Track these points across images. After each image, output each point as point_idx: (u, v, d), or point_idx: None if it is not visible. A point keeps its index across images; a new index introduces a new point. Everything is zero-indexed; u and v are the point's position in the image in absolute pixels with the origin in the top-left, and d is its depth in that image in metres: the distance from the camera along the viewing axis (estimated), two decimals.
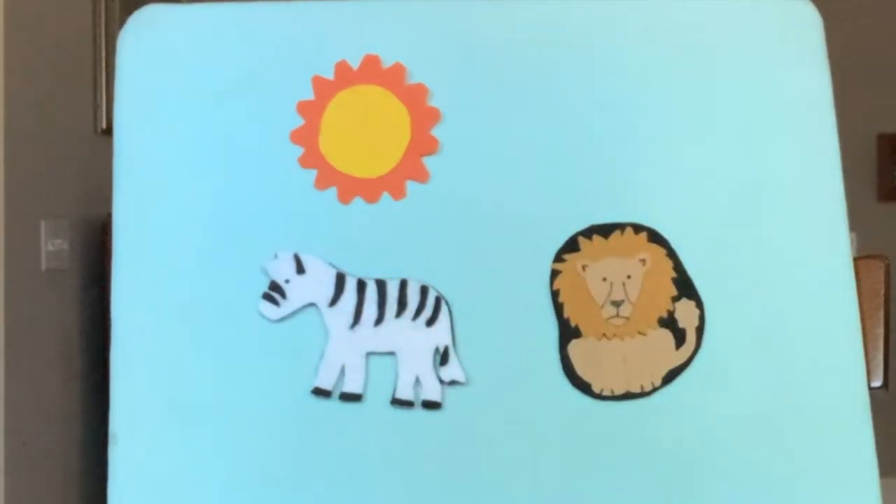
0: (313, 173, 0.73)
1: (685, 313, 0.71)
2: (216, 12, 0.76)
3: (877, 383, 0.79)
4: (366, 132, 0.74)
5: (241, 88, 0.74)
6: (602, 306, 0.71)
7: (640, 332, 0.71)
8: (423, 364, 0.71)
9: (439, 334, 0.71)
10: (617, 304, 0.71)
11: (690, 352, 0.71)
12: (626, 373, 0.71)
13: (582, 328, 0.71)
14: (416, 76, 0.74)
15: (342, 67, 0.74)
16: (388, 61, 0.74)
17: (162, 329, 0.72)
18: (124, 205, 0.74)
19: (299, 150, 0.74)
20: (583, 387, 0.71)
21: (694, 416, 0.70)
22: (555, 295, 0.71)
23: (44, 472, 1.81)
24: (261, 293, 0.72)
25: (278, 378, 0.71)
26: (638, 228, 0.72)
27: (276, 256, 0.72)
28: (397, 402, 0.71)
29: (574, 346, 0.71)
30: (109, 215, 0.74)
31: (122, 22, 0.77)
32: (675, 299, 0.72)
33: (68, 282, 1.89)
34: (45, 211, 1.80)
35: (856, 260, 0.74)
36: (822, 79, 0.75)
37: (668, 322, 0.71)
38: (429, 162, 0.73)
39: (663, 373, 0.71)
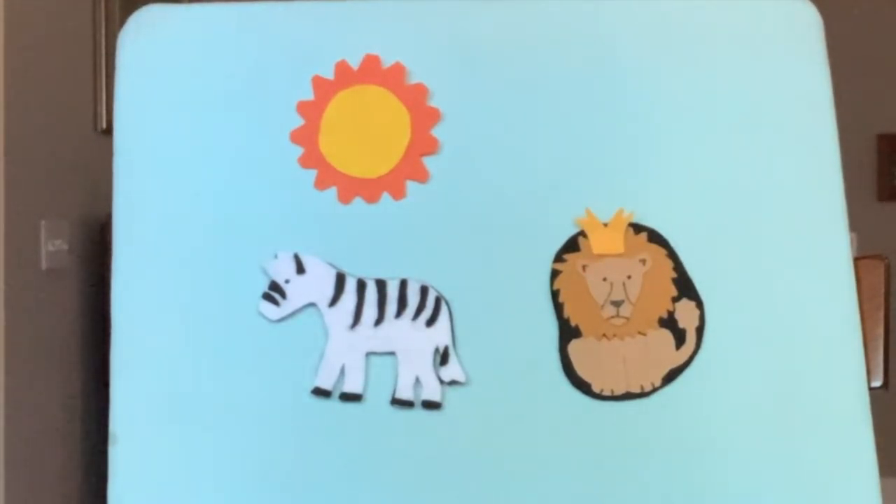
0: (313, 173, 0.73)
1: (685, 313, 0.71)
2: (216, 12, 0.76)
3: (877, 383, 0.79)
4: (366, 132, 0.74)
5: (241, 88, 0.74)
6: (602, 306, 0.71)
7: (640, 332, 0.71)
8: (423, 364, 0.71)
9: (439, 334, 0.71)
10: (617, 304, 0.71)
11: (690, 352, 0.71)
12: (626, 373, 0.71)
13: (582, 328, 0.71)
14: (416, 76, 0.74)
15: (342, 67, 0.74)
16: (388, 61, 0.74)
17: (162, 329, 0.72)
18: (124, 205, 0.74)
19: (299, 150, 0.74)
20: (583, 387, 0.71)
21: (694, 416, 0.70)
22: (555, 295, 0.71)
23: (44, 472, 1.81)
24: (261, 293, 0.72)
25: (278, 378, 0.71)
26: (638, 228, 0.72)
27: (276, 256, 0.72)
28: (397, 402, 0.71)
29: (574, 346, 0.71)
30: (109, 215, 0.74)
31: (122, 22, 0.77)
32: (675, 299, 0.72)
33: (68, 282, 1.90)
34: (45, 211, 1.80)
35: (856, 260, 0.74)
36: (822, 79, 0.75)
37: (668, 322, 0.71)
38: (429, 162, 0.73)
39: (663, 373, 0.71)
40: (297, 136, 0.74)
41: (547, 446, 0.70)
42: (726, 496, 0.69)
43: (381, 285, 0.72)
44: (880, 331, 0.77)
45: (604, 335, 0.71)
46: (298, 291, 0.71)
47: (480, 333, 0.71)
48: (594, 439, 0.70)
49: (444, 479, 0.70)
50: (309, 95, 0.74)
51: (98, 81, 1.99)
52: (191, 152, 0.74)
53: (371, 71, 0.74)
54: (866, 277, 0.73)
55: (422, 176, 0.73)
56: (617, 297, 0.71)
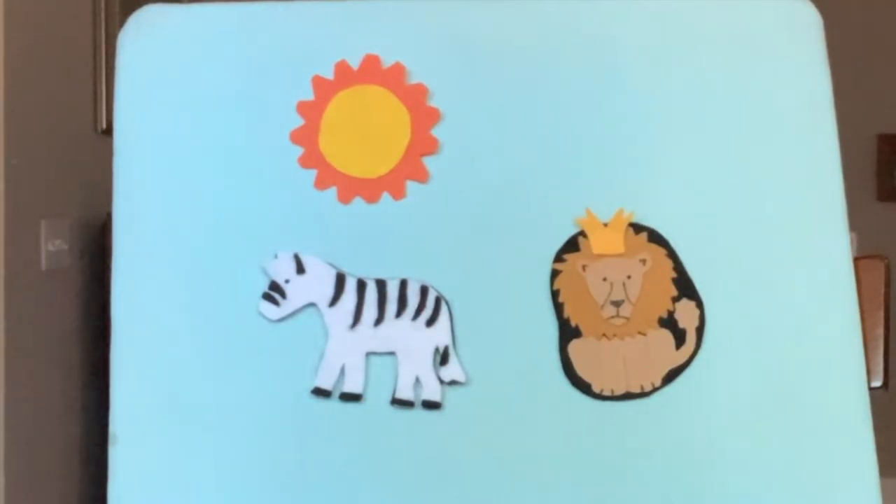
0: (313, 173, 0.73)
1: (685, 313, 0.71)
2: (216, 12, 0.76)
3: (877, 383, 0.79)
4: (366, 132, 0.74)
5: (242, 88, 0.74)
6: (602, 306, 0.71)
7: (640, 332, 0.71)
8: (423, 364, 0.71)
9: (439, 334, 0.71)
10: (617, 304, 0.71)
11: (690, 352, 0.71)
12: (626, 373, 0.71)
13: (582, 328, 0.71)
14: (416, 76, 0.74)
15: (342, 67, 0.74)
16: (388, 61, 0.74)
17: (162, 329, 0.72)
18: (124, 205, 0.74)
19: (299, 150, 0.74)
20: (583, 387, 0.71)
21: (694, 416, 0.70)
22: (555, 295, 0.71)
23: (44, 472, 1.81)
24: (261, 293, 0.72)
25: (278, 378, 0.71)
26: (638, 228, 0.72)
27: (276, 256, 0.72)
28: (397, 402, 0.71)
29: (574, 346, 0.71)
30: (109, 215, 0.74)
31: (122, 22, 0.77)
32: (675, 299, 0.72)
33: (68, 282, 1.90)
34: (45, 211, 1.80)
35: (856, 260, 0.74)
36: (822, 79, 0.75)
37: (668, 322, 0.71)
38: (429, 162, 0.73)
39: (663, 373, 0.71)
40: (297, 136, 0.74)
41: (547, 446, 0.70)
42: (726, 496, 0.69)
43: (381, 285, 0.72)
44: (880, 331, 0.77)
45: (604, 335, 0.71)
46: (298, 291, 0.71)
47: (480, 333, 0.71)
48: (594, 439, 0.70)
49: (444, 479, 0.70)
50: (309, 95, 0.74)
51: (98, 81, 1.99)
52: (191, 152, 0.74)
53: (371, 71, 0.74)
54: (866, 277, 0.73)
55: (422, 176, 0.73)
56: (617, 297, 0.71)
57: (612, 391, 0.71)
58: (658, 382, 0.71)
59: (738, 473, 0.70)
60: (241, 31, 0.76)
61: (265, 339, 0.71)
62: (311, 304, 0.72)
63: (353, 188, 0.73)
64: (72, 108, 1.92)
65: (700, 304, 0.72)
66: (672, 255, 0.72)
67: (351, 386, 0.71)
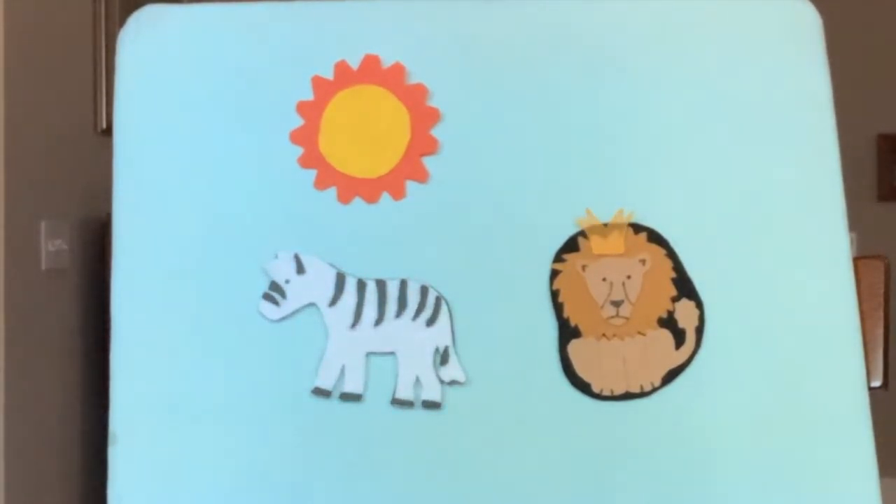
0: (313, 173, 0.73)
1: (685, 313, 0.71)
2: (216, 12, 0.76)
3: (877, 383, 0.80)
4: (366, 132, 0.74)
5: (241, 88, 0.74)
6: (602, 306, 0.71)
7: (639, 332, 0.71)
8: (423, 364, 0.71)
9: (439, 334, 0.71)
10: (617, 304, 0.71)
11: (690, 352, 0.71)
12: (625, 373, 0.71)
13: (582, 328, 0.71)
14: (416, 76, 0.74)
15: (342, 67, 0.74)
16: (388, 61, 0.74)
17: (162, 329, 0.72)
18: (124, 205, 0.74)
19: (299, 150, 0.74)
20: (583, 387, 0.71)
21: (694, 416, 0.70)
22: (555, 295, 0.71)
23: (44, 472, 1.81)
24: (261, 293, 0.72)
25: (278, 378, 0.71)
26: (638, 228, 0.72)
27: (276, 256, 0.72)
28: (397, 402, 0.71)
29: (574, 346, 0.71)
30: (109, 215, 0.74)
31: (122, 22, 0.77)
32: (675, 299, 0.72)
33: (68, 282, 1.90)
34: (45, 211, 1.80)
35: (856, 260, 0.74)
36: (822, 79, 0.75)
37: (668, 322, 0.71)
38: (429, 162, 0.73)
39: (663, 373, 0.71)
40: (297, 136, 0.74)
41: (547, 446, 0.70)
42: (726, 496, 0.69)
43: (381, 285, 0.72)
44: (880, 331, 0.77)
45: (603, 335, 0.71)
46: (298, 291, 0.71)
47: (480, 333, 0.71)
48: (594, 439, 0.70)
49: (444, 480, 0.70)
50: (309, 95, 0.74)
51: (98, 81, 1.99)
52: (191, 152, 0.74)
53: (371, 71, 0.74)
54: (866, 277, 0.73)
55: (422, 176, 0.73)
56: (616, 297, 0.71)
57: (612, 391, 0.71)
58: (658, 382, 0.71)
59: (738, 473, 0.70)
60: (240, 31, 0.76)
61: (265, 339, 0.71)
62: (311, 304, 0.72)
63: (353, 188, 0.73)
64: (72, 108, 1.92)
65: (700, 304, 0.72)
66: (672, 255, 0.72)
67: (351, 386, 0.71)
